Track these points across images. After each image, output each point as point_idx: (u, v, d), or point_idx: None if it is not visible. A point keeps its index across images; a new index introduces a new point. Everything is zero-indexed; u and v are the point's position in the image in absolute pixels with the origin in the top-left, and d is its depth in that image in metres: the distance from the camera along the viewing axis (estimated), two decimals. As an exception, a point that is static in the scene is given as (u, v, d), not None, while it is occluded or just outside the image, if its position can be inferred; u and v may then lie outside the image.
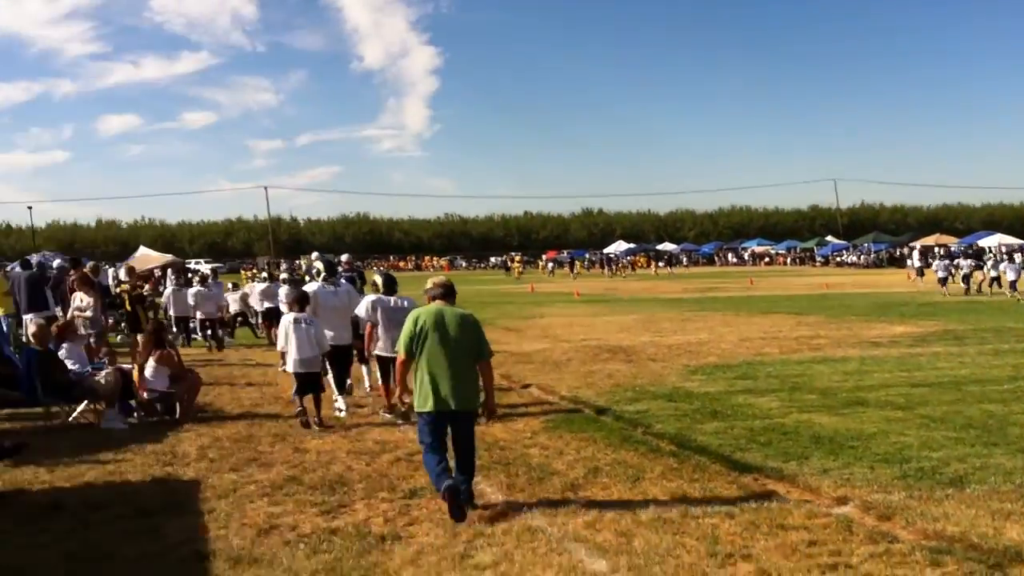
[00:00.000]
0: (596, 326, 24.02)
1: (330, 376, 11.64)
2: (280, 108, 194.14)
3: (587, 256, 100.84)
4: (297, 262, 54.11)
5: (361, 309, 11.33)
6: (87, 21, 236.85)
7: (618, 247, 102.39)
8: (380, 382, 11.62)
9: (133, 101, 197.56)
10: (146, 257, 47.73)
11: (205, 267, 52.37)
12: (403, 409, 9.33)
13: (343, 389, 11.75)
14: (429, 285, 7.59)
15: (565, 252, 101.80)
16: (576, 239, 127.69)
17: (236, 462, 9.02)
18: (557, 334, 21.80)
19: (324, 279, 12.15)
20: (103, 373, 11.14)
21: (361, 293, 13.52)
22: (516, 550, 6.22)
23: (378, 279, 11.58)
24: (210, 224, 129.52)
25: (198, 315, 20.96)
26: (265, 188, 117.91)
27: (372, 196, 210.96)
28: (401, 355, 7.39)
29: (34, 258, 26.80)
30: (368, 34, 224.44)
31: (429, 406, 7.19)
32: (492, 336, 8.19)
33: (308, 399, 10.86)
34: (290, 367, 10.95)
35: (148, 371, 11.43)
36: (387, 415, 11.22)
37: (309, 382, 10.82)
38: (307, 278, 19.42)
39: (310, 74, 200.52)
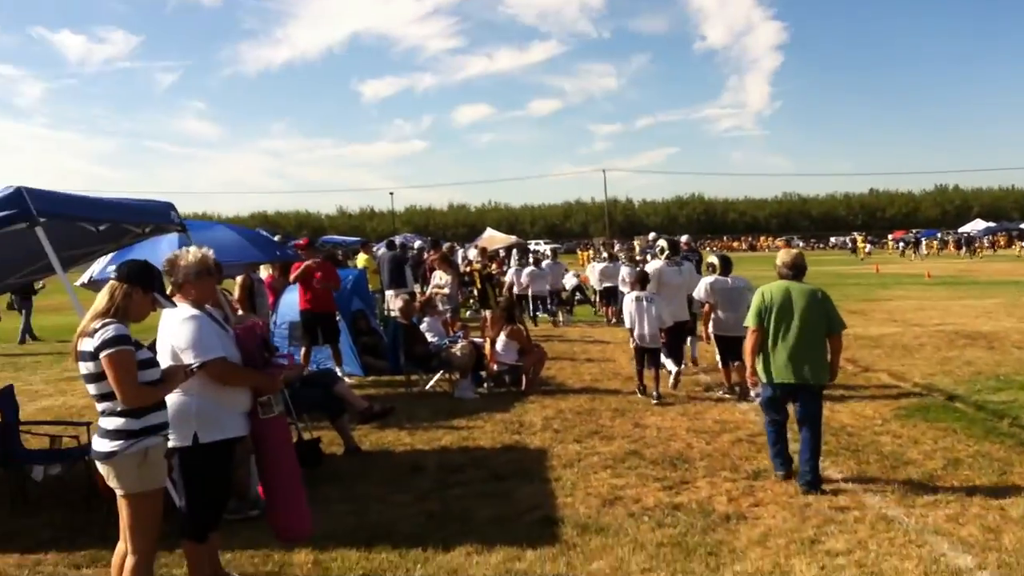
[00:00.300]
0: (951, 310, 22.23)
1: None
2: (621, 92, 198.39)
3: (939, 235, 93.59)
4: (630, 243, 54.77)
5: (700, 290, 11.44)
6: (449, 17, 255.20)
7: (975, 226, 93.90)
8: (720, 364, 11.58)
9: (486, 91, 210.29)
10: (492, 238, 50.19)
11: (545, 247, 54.47)
12: (753, 387, 9.26)
13: (680, 362, 11.72)
14: (779, 262, 7.48)
15: (913, 232, 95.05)
16: (926, 218, 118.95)
17: (579, 434, 9.30)
18: (907, 317, 20.47)
19: (668, 257, 12.32)
20: (459, 346, 11.89)
21: (699, 274, 13.49)
22: (871, 539, 5.92)
23: (715, 260, 11.63)
24: (550, 207, 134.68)
25: (530, 292, 21.71)
26: (603, 171, 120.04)
27: (707, 176, 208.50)
28: (752, 327, 7.32)
29: (397, 239, 29.11)
30: (712, 13, 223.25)
31: (776, 378, 7.18)
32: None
33: (648, 375, 11.00)
34: (633, 342, 11.20)
35: (499, 345, 12.06)
36: (726, 394, 11.21)
37: (650, 358, 10.96)
38: (648, 257, 19.60)
39: (652, 57, 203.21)
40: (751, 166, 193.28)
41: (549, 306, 21.77)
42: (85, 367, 4.39)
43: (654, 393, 10.88)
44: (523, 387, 11.88)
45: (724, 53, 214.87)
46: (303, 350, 12.34)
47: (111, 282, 4.55)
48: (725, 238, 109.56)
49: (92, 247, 7.85)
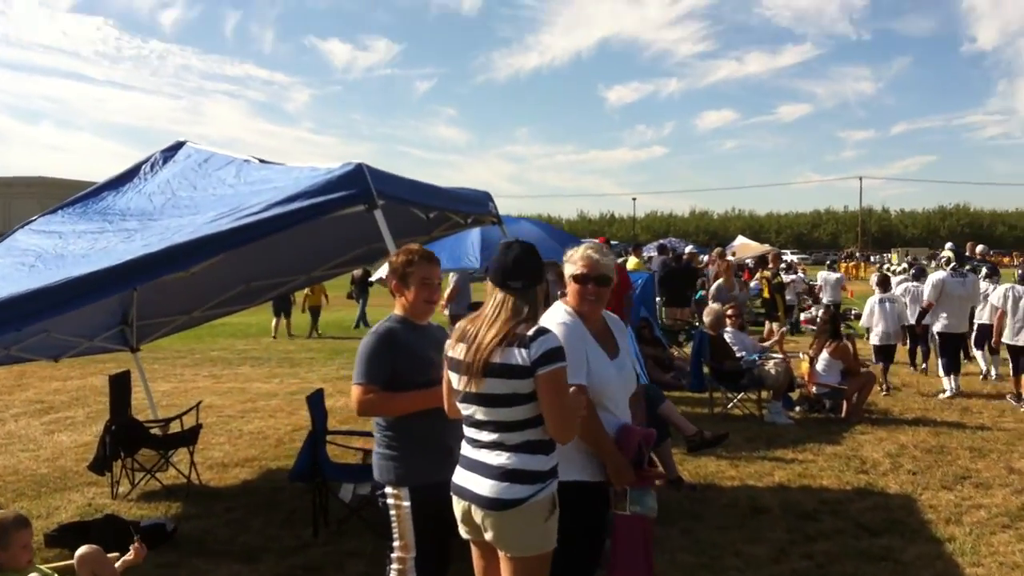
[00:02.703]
0: None
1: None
2: (877, 96, 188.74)
3: None
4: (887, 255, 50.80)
5: (994, 297, 11.86)
6: (700, 21, 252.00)
7: None
8: (1012, 373, 11.51)
9: (731, 97, 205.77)
10: (745, 246, 48.09)
11: (793, 257, 51.70)
12: None
13: (955, 371, 12.13)
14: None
15: None
16: None
17: (944, 478, 7.75)
18: None
19: (953, 268, 12.70)
20: (772, 362, 10.52)
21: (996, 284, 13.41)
22: None
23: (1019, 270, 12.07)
24: (797, 215, 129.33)
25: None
26: (860, 179, 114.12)
27: (967, 186, 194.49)
28: None
29: (667, 243, 27.85)
30: (986, 12, 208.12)
31: None
32: None
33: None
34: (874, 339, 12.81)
35: (820, 364, 10.60)
36: (1013, 401, 11.27)
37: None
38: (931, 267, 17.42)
39: (914, 60, 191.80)
40: (1019, 176, 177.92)
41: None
42: (502, 386, 3.44)
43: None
44: (843, 414, 10.37)
45: (994, 55, 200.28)
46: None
47: (505, 295, 3.59)
48: (992, 252, 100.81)
49: (417, 236, 7.12)
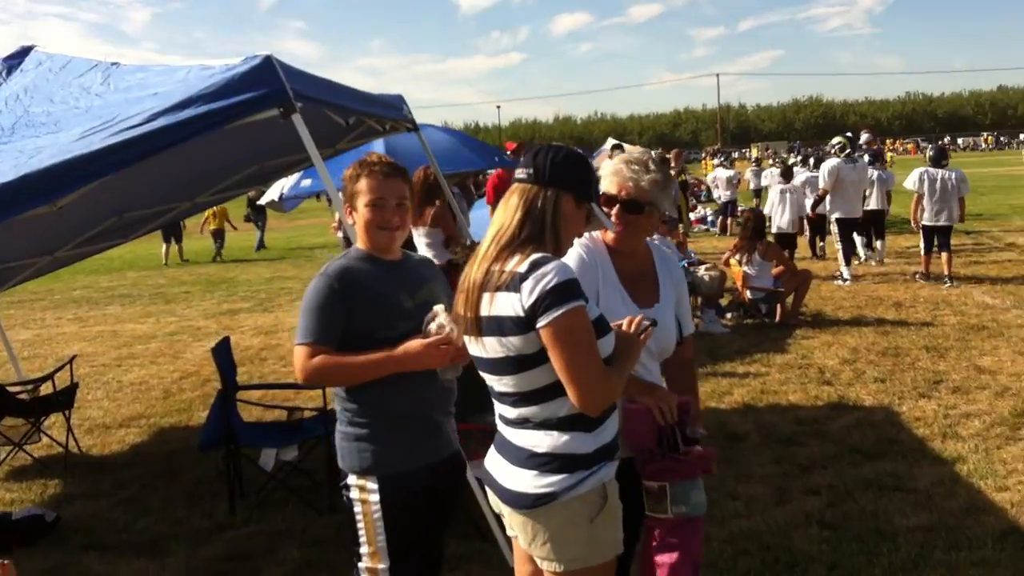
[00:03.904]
0: None
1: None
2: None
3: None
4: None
5: (909, 181, 11.97)
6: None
7: None
8: (924, 252, 12.06)
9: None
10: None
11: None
12: None
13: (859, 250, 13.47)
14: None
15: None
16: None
17: (916, 384, 7.15)
18: None
19: (847, 155, 12.87)
20: (703, 268, 9.74)
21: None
22: None
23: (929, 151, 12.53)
24: (658, 116, 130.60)
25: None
26: (717, 76, 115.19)
27: (816, 78, 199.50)
28: None
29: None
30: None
31: None
32: None
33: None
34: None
35: (752, 267, 9.89)
36: (922, 280, 11.88)
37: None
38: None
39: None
40: (860, 67, 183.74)
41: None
42: (501, 345, 2.40)
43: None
44: (778, 318, 9.74)
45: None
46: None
47: (518, 186, 2.52)
48: (877, 139, 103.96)
49: (335, 146, 5.90)
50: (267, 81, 3.63)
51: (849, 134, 16.96)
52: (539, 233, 2.42)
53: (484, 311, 2.40)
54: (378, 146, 8.21)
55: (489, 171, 11.98)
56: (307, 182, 8.95)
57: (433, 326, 2.88)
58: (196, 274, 19.02)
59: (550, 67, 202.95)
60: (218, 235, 21.85)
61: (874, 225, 14.19)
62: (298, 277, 16.82)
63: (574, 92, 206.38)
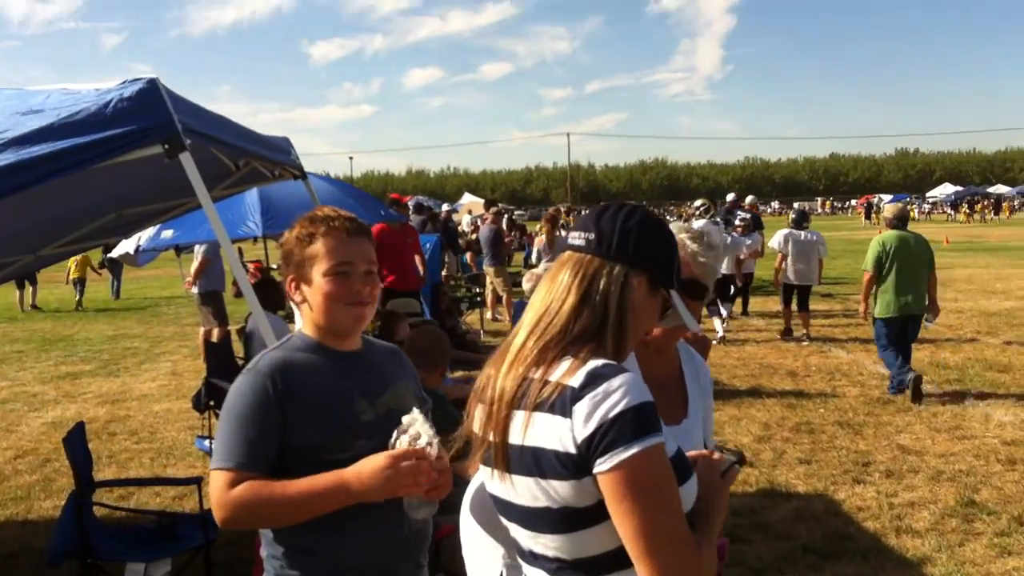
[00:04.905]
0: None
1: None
2: (573, 55, 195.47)
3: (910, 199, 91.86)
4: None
5: (774, 241, 12.24)
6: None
7: (943, 190, 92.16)
8: (785, 308, 12.46)
9: (436, 54, 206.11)
10: (475, 203, 47.50)
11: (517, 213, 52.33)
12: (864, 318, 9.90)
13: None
14: (888, 215, 9.29)
15: (880, 196, 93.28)
16: (889, 182, 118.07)
17: (843, 467, 6.64)
18: (997, 288, 18.02)
19: (711, 217, 13.14)
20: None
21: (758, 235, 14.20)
22: None
23: (792, 214, 12.88)
24: (510, 172, 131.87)
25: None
26: (568, 135, 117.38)
27: (660, 141, 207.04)
28: (870, 273, 8.84)
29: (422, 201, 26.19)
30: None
31: (893, 312, 8.69)
32: None
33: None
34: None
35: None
36: (786, 338, 12.21)
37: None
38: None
39: (606, 19, 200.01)
40: (700, 131, 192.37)
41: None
42: (539, 490, 1.60)
43: None
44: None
45: (677, 15, 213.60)
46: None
47: (571, 257, 1.72)
48: (688, 203, 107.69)
49: (215, 193, 4.93)
50: (152, 111, 2.74)
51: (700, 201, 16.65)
52: (599, 326, 1.65)
53: (515, 438, 1.62)
54: (252, 194, 7.24)
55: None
56: (168, 233, 7.88)
57: (404, 439, 2.04)
58: (29, 330, 17.12)
59: (402, 120, 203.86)
60: (79, 283, 20.59)
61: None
62: (144, 336, 15.36)
63: (427, 145, 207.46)
